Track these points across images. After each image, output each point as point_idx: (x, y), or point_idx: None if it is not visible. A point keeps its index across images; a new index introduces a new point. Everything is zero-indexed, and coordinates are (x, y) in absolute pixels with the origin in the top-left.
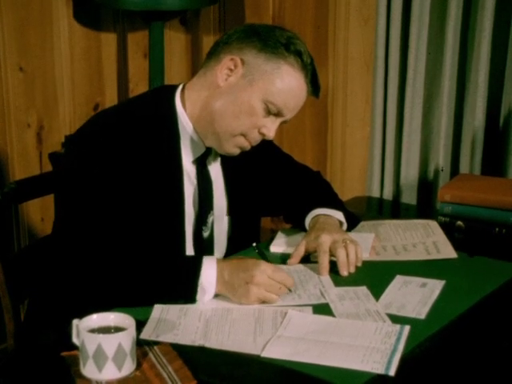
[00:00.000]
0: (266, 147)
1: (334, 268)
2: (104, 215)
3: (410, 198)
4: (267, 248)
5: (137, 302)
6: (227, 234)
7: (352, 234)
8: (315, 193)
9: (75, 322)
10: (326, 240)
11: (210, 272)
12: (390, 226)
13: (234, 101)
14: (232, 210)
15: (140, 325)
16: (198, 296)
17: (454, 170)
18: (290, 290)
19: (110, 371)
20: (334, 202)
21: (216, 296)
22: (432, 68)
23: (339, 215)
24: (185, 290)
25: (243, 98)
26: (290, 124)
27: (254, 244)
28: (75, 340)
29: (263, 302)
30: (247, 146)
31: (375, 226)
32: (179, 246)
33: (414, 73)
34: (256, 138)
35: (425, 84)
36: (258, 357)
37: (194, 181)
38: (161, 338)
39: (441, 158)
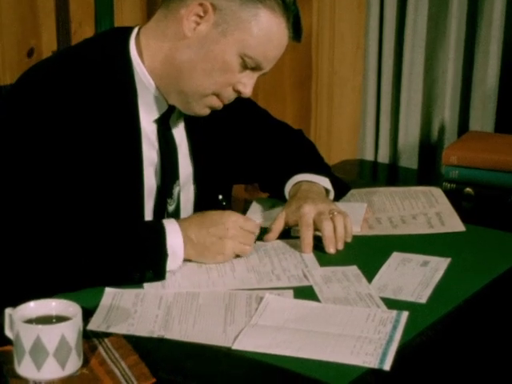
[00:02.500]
0: (237, 102)
1: (318, 244)
2: (47, 183)
3: (409, 161)
4: None
5: (88, 282)
6: (193, 205)
7: (340, 204)
8: (296, 155)
9: (8, 311)
10: (309, 211)
11: (174, 235)
12: (385, 195)
13: (205, 56)
14: (199, 178)
15: (87, 313)
16: (168, 264)
17: (461, 127)
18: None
19: (51, 369)
20: (318, 166)
21: (180, 276)
22: (437, 3)
23: (325, 182)
24: (151, 260)
25: (216, 53)
26: (265, 74)
27: (221, 197)
28: (8, 332)
29: (237, 255)
30: (219, 105)
31: (368, 194)
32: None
33: (415, 10)
34: (230, 97)
35: (428, 24)
36: (229, 350)
37: (155, 145)
38: (112, 329)
39: (446, 112)
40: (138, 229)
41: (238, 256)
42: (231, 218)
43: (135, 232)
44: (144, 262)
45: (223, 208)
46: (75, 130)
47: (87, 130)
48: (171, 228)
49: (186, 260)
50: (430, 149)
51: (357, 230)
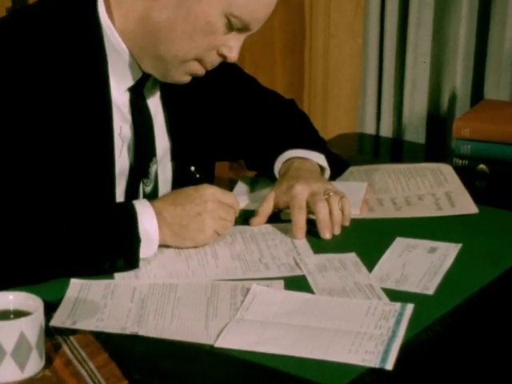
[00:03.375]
0: (221, 68)
1: (312, 229)
2: (4, 161)
3: (415, 134)
4: None
5: (51, 273)
6: (171, 185)
7: (337, 184)
8: (287, 128)
9: None
10: (301, 191)
11: (147, 217)
12: (388, 173)
13: (186, 17)
14: (177, 154)
15: (50, 308)
16: (142, 250)
17: (475, 95)
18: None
19: (9, 371)
20: (312, 140)
21: (155, 265)
22: None
23: (320, 158)
24: (122, 247)
25: (197, 13)
26: (252, 35)
27: (193, 168)
28: None
29: (218, 234)
30: (202, 72)
31: (369, 172)
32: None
33: None
34: (214, 62)
35: None
36: (211, 348)
37: (128, 117)
38: (79, 325)
39: (458, 79)
40: (107, 211)
41: (232, 243)
42: (208, 191)
43: (103, 215)
44: (114, 248)
45: (197, 182)
46: (35, 102)
47: (49, 101)
48: (143, 209)
49: (163, 247)
50: (438, 120)
51: (355, 212)
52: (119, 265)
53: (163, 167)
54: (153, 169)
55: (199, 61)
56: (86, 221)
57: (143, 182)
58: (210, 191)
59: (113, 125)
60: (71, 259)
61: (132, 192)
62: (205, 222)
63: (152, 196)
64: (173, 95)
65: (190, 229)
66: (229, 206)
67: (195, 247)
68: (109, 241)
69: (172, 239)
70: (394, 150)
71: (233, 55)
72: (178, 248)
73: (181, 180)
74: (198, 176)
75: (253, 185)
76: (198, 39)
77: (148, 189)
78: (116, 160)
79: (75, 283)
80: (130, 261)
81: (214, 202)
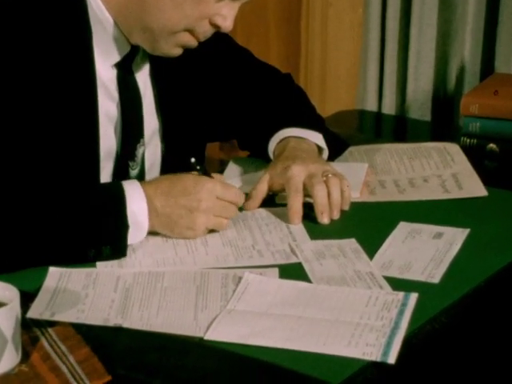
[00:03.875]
0: (212, 40)
1: (309, 213)
2: None
3: (420, 111)
4: None
5: (30, 261)
6: (160, 168)
7: (336, 165)
8: (283, 105)
9: None
10: (298, 173)
11: (137, 201)
12: (390, 153)
13: None
14: (167, 135)
15: (27, 298)
16: (130, 236)
17: (485, 69)
18: (240, 210)
19: None
20: (310, 118)
21: (141, 252)
22: None
23: (317, 138)
24: (108, 233)
25: None
26: (246, 4)
27: (193, 160)
28: None
29: (211, 230)
30: (193, 43)
31: (370, 152)
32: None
33: None
34: (206, 33)
35: None
36: (201, 340)
37: (115, 95)
38: (58, 317)
39: (467, 51)
40: (92, 193)
41: (212, 231)
42: (206, 187)
43: (88, 197)
44: (100, 234)
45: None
46: (14, 79)
47: (29, 77)
48: (133, 191)
49: (149, 232)
50: (445, 96)
51: (356, 195)
52: (105, 253)
53: (152, 149)
54: (140, 151)
55: (190, 32)
56: (68, 203)
57: (129, 166)
58: (208, 187)
59: (97, 103)
60: (51, 246)
61: (119, 177)
62: (196, 220)
63: (139, 180)
64: (163, 71)
65: (179, 225)
66: (229, 202)
67: None
68: (94, 226)
69: (160, 229)
70: (397, 128)
71: (227, 24)
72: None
73: (171, 163)
74: (198, 168)
75: (245, 166)
76: (187, 8)
77: (134, 172)
78: (101, 141)
79: (54, 272)
80: (117, 248)
81: (209, 201)
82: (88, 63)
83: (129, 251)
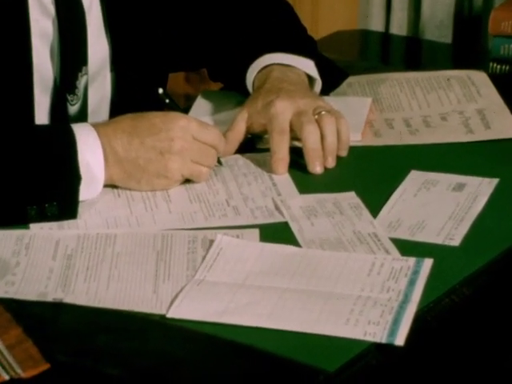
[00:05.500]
0: None
1: (298, 160)
2: None
3: (438, 31)
4: None
5: None
6: (110, 103)
7: (331, 99)
8: (265, 25)
9: None
10: (283, 110)
11: (89, 146)
12: (400, 84)
13: None
14: (118, 63)
15: None
16: (82, 193)
17: None
18: (219, 163)
19: None
20: (299, 41)
21: (86, 210)
22: None
23: (308, 65)
24: (55, 186)
25: None
26: None
27: (161, 91)
28: None
29: (188, 180)
30: None
31: (374, 83)
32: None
33: None
34: None
35: None
36: (162, 318)
37: (51, 9)
38: None
39: None
40: (33, 137)
41: (188, 181)
42: (179, 124)
43: (28, 142)
44: (44, 188)
45: (165, 108)
46: None
47: None
48: (86, 135)
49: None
50: (470, 11)
51: (356, 137)
52: (50, 212)
53: (99, 81)
54: (81, 81)
55: None
56: (5, 149)
57: (67, 100)
58: (181, 124)
59: (28, 18)
60: None
61: (57, 113)
62: (168, 164)
63: (79, 119)
64: None
65: (149, 171)
66: (208, 145)
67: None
68: (36, 177)
69: (122, 180)
70: (408, 52)
71: None
72: (118, 188)
73: (124, 100)
74: (167, 101)
75: (217, 102)
76: None
77: (74, 109)
78: (34, 68)
79: None
80: (66, 206)
81: (184, 141)
82: None
83: None
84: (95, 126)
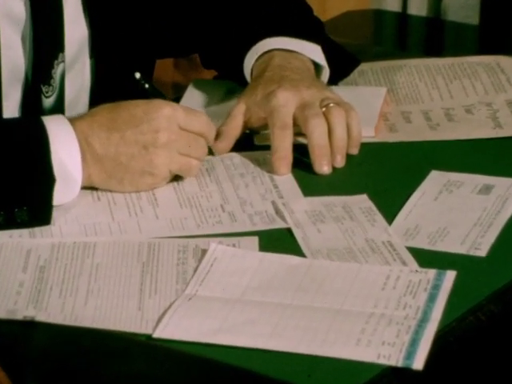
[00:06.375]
0: None
1: (302, 159)
2: None
3: (463, 11)
4: None
5: None
6: (89, 94)
7: (341, 90)
8: (265, 6)
9: None
10: (286, 102)
11: (64, 143)
12: (419, 72)
13: None
14: (99, 48)
15: None
16: (56, 196)
17: None
18: (211, 153)
19: None
20: (304, 23)
21: (61, 215)
22: None
23: (314, 51)
24: (25, 189)
25: None
26: None
27: (138, 75)
28: None
29: (178, 176)
30: None
31: (390, 71)
32: None
33: None
34: None
35: None
36: (148, 339)
37: None
38: None
39: None
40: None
41: (178, 177)
42: (163, 112)
43: None
44: (13, 192)
45: (145, 95)
46: None
47: None
48: (59, 130)
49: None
50: None
51: (369, 133)
52: (20, 218)
53: (77, 70)
54: (58, 71)
55: None
56: None
57: (42, 91)
58: (165, 113)
59: None
60: None
61: (30, 106)
62: (153, 159)
63: (54, 108)
64: None
65: (131, 168)
66: (197, 134)
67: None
68: (2, 179)
69: (102, 180)
70: (428, 35)
71: None
72: (98, 190)
73: (104, 90)
74: (147, 86)
75: (211, 92)
76: None
77: (49, 101)
78: (2, 56)
79: None
80: (38, 211)
81: (170, 131)
82: None
83: None
84: (70, 120)
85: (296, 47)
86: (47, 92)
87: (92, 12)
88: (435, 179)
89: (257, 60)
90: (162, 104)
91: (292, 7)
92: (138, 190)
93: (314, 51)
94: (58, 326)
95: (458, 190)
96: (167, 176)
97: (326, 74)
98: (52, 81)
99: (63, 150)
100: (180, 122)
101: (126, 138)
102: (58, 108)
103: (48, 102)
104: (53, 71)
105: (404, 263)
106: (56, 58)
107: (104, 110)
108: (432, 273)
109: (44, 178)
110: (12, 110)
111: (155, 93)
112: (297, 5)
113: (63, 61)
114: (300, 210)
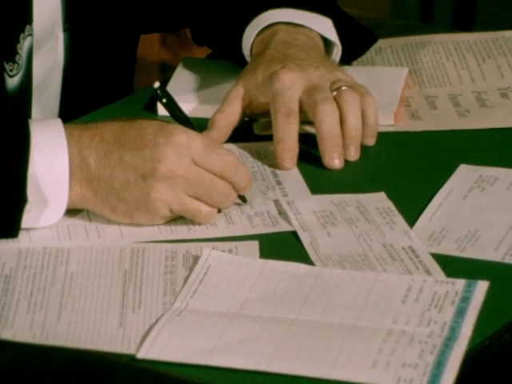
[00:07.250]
0: None
1: (310, 151)
2: None
3: None
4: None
5: None
6: (63, 73)
7: (355, 70)
8: None
9: None
10: (291, 84)
11: (47, 153)
12: (446, 49)
13: None
14: (74, 20)
15: None
16: (28, 218)
17: None
18: (244, 200)
19: None
20: None
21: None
22: None
23: (324, 25)
24: None
25: None
26: None
27: (157, 84)
28: None
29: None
30: None
31: (411, 48)
32: None
33: None
34: None
35: None
36: (131, 360)
37: None
38: None
39: None
40: None
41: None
42: (174, 139)
43: None
44: None
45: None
46: None
47: None
48: (46, 136)
49: None
50: None
51: (388, 121)
52: None
53: (50, 43)
54: (24, 45)
55: None
56: None
57: (5, 69)
58: (177, 140)
59: None
60: None
61: None
62: (150, 193)
63: (20, 95)
64: None
65: (125, 198)
66: (217, 175)
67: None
68: None
69: (92, 204)
70: (457, 7)
71: None
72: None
73: (81, 66)
74: (164, 101)
75: (203, 73)
76: None
77: (13, 81)
78: None
79: None
80: (3, 233)
81: (176, 164)
82: None
83: None
84: (67, 126)
85: (303, 21)
86: (11, 70)
87: None
88: (464, 174)
89: (257, 36)
90: (176, 130)
91: None
92: (135, 223)
93: (323, 25)
94: (27, 346)
95: (491, 186)
96: (167, 216)
97: (337, 51)
98: (17, 57)
99: (46, 162)
100: (195, 155)
101: (124, 160)
102: (25, 89)
103: (12, 82)
104: (18, 46)
105: (428, 272)
106: (22, 30)
107: (115, 123)
108: (461, 283)
109: (12, 197)
110: None
111: (175, 111)
112: None
113: (31, 34)
114: (307, 211)
